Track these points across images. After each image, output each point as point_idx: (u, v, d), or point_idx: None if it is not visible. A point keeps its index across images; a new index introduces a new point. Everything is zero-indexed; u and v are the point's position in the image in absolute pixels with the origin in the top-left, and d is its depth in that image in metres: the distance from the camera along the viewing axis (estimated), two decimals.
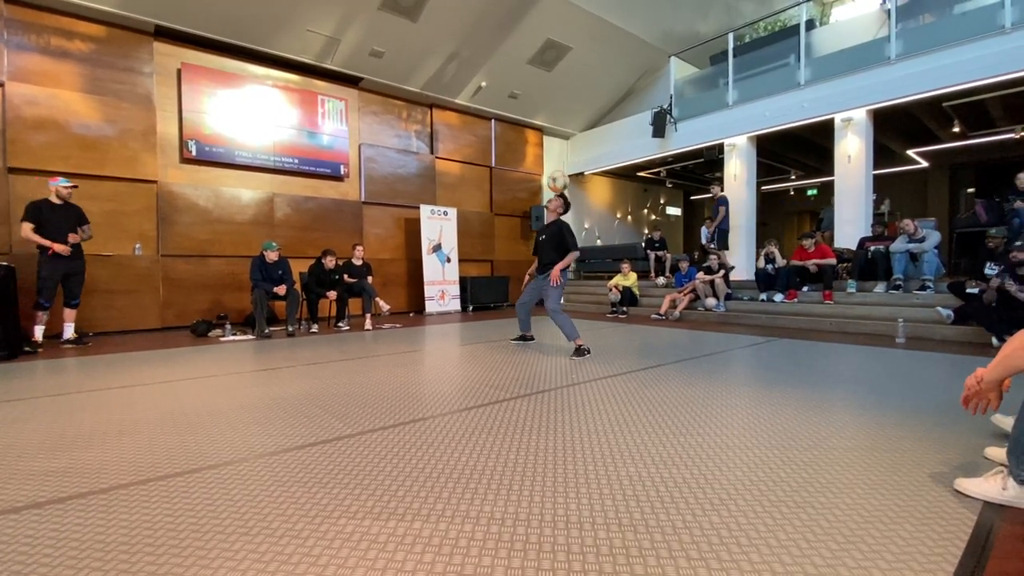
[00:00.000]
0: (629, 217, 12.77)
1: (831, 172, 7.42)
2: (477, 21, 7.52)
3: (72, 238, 4.81)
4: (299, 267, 6.55)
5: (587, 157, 10.79)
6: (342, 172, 7.81)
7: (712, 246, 8.23)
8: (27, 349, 4.54)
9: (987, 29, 5.81)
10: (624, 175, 11.88)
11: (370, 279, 6.65)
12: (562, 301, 4.48)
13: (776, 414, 2.39)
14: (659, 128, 8.90)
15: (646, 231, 12.26)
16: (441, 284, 8.59)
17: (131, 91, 6.16)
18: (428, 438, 2.08)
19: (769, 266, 6.82)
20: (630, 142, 9.76)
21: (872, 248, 6.23)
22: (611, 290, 8.05)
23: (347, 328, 6.32)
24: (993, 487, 1.48)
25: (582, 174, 11.08)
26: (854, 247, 6.66)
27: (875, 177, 7.25)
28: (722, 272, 7.16)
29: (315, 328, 6.09)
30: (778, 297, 6.63)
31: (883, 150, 8.94)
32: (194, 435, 2.16)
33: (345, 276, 6.48)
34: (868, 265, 6.21)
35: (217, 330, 5.76)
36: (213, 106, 6.60)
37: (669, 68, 9.24)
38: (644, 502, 1.49)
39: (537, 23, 7.88)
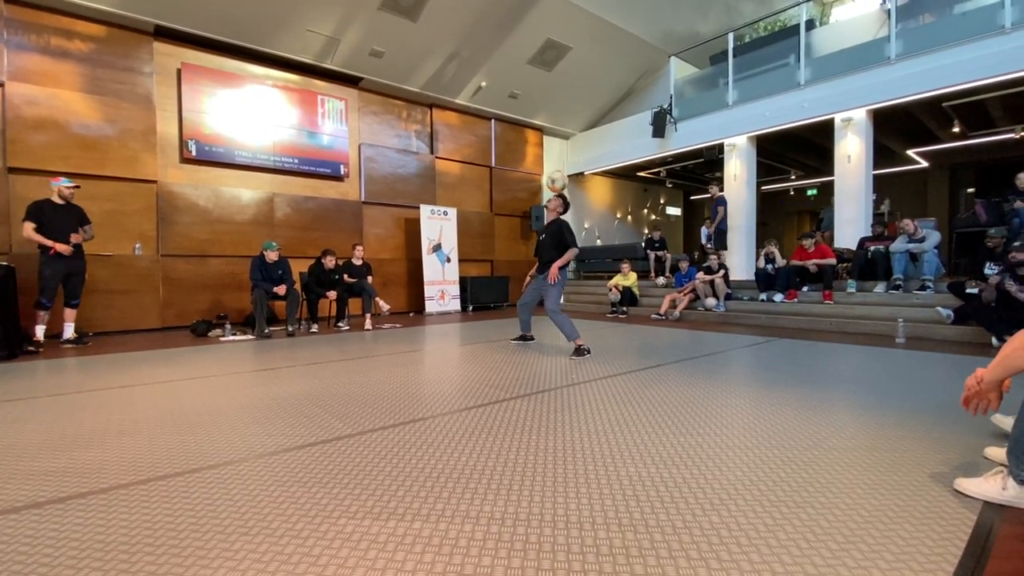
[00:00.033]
0: (629, 217, 12.77)
1: (831, 172, 7.42)
2: (477, 21, 7.52)
3: (74, 238, 4.83)
4: (299, 267, 6.55)
5: (587, 157, 10.79)
6: (342, 172, 7.81)
7: (709, 246, 8.24)
8: (30, 349, 4.55)
9: (987, 29, 5.81)
10: (624, 175, 11.88)
11: (370, 279, 6.65)
12: (562, 301, 4.49)
13: (776, 414, 2.39)
14: (659, 128, 8.90)
15: (646, 231, 12.26)
16: (441, 284, 8.60)
17: (131, 91, 6.16)
18: (428, 438, 2.08)
19: (769, 266, 6.82)
20: (630, 142, 9.76)
21: (872, 248, 6.23)
22: (611, 290, 8.05)
23: (347, 328, 6.32)
24: (993, 487, 1.48)
25: (582, 174, 11.07)
26: (854, 247, 6.66)
27: (875, 177, 7.24)
28: (722, 272, 7.16)
29: (315, 328, 6.09)
30: (778, 297, 6.63)
31: (883, 150, 8.94)
32: (194, 435, 2.16)
33: (345, 276, 6.48)
34: (868, 265, 6.21)
35: (217, 330, 5.75)
36: (213, 106, 6.60)
37: (669, 68, 9.24)
38: (644, 502, 1.49)
39: (537, 23, 7.88)
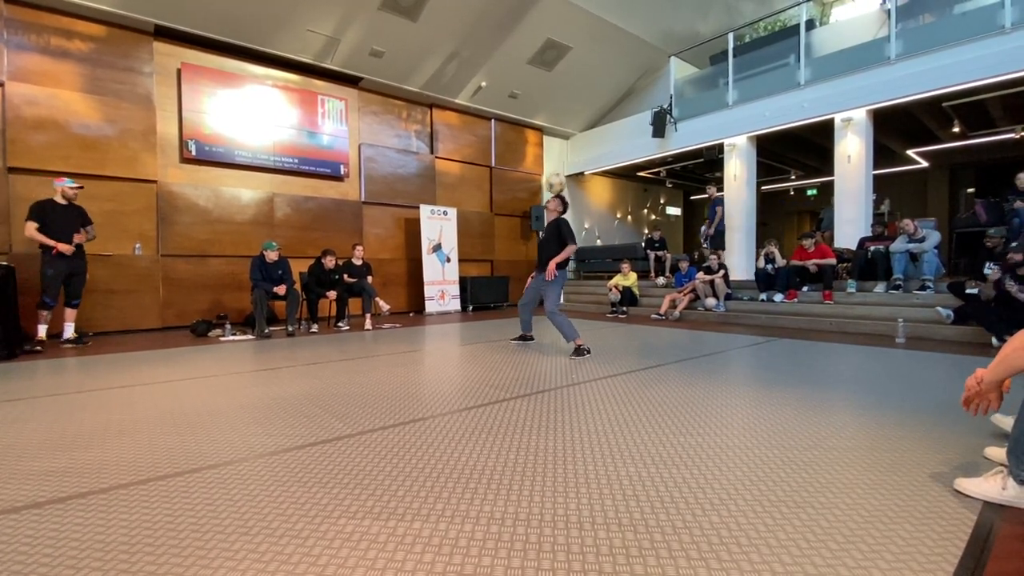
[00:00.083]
0: (629, 217, 12.77)
1: (831, 172, 7.41)
2: (477, 21, 7.52)
3: (77, 238, 4.84)
4: (299, 267, 6.55)
5: (587, 157, 10.79)
6: (342, 172, 7.81)
7: (705, 246, 8.25)
8: (36, 348, 4.58)
9: (987, 29, 5.81)
10: (624, 175, 11.88)
11: (370, 279, 6.65)
12: (562, 301, 4.49)
13: (776, 414, 2.39)
14: (659, 128, 8.90)
15: (646, 231, 12.26)
16: (441, 284, 8.59)
17: (131, 91, 6.16)
18: (428, 438, 2.08)
19: (769, 266, 6.82)
20: (630, 142, 9.76)
21: (872, 248, 6.23)
22: (611, 290, 8.05)
23: (347, 328, 6.32)
24: (993, 487, 1.48)
25: (582, 174, 11.07)
26: (854, 247, 6.66)
27: (875, 177, 7.24)
28: (722, 272, 7.16)
29: (315, 328, 6.09)
30: (778, 297, 6.63)
31: (883, 150, 8.94)
32: (194, 435, 2.16)
33: (345, 276, 6.48)
34: (868, 265, 6.21)
35: (217, 330, 5.75)
36: (213, 106, 6.60)
37: (669, 68, 9.23)
38: (644, 502, 1.49)
39: (537, 23, 7.88)
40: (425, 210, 8.44)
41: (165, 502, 1.51)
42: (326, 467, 1.78)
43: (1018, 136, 8.41)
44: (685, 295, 7.26)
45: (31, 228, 4.65)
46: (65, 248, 4.73)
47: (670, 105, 8.97)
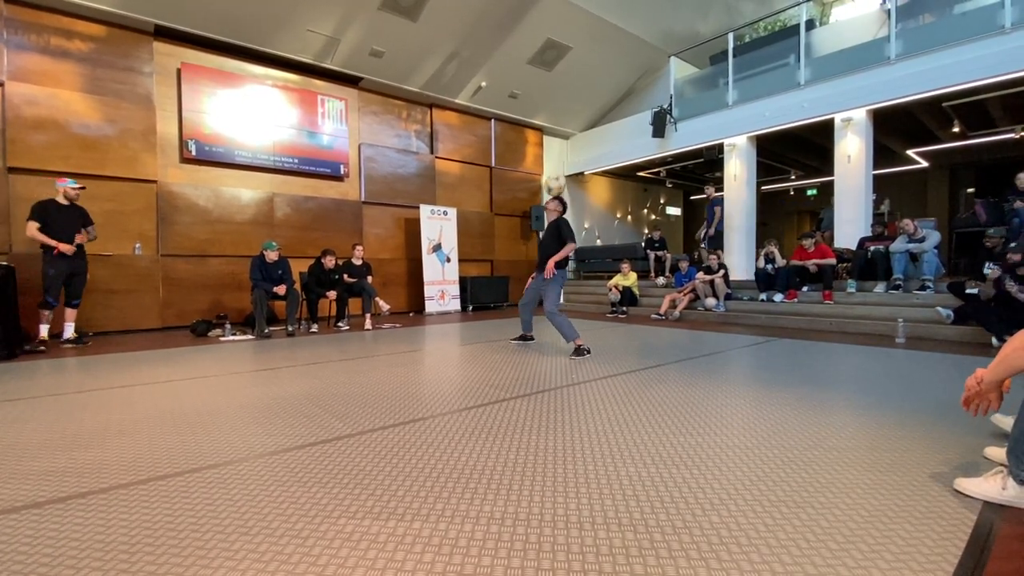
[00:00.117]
0: (629, 217, 12.77)
1: (831, 172, 7.41)
2: (477, 21, 7.52)
3: (79, 238, 4.86)
4: (299, 267, 6.55)
5: (587, 157, 10.79)
6: (342, 172, 7.81)
7: (703, 246, 8.25)
8: (40, 348, 4.60)
9: (987, 29, 5.81)
10: (624, 175, 11.88)
11: (370, 279, 6.65)
12: (561, 301, 4.49)
13: (776, 414, 2.39)
14: (659, 128, 8.90)
15: (646, 231, 12.26)
16: (441, 284, 8.59)
17: (131, 91, 6.16)
18: (428, 438, 2.08)
19: (769, 266, 6.82)
20: (630, 142, 9.76)
21: (872, 248, 6.23)
22: (611, 290, 8.05)
23: (347, 328, 6.32)
24: (993, 487, 1.48)
25: (582, 174, 11.07)
26: (854, 247, 6.66)
27: (875, 177, 7.24)
28: (722, 272, 7.16)
29: (315, 328, 6.09)
30: (778, 297, 6.63)
31: (883, 150, 8.94)
32: (194, 435, 2.16)
33: (345, 276, 6.48)
34: (868, 265, 6.21)
35: (217, 330, 5.75)
36: (213, 106, 6.60)
37: (669, 68, 9.23)
38: (644, 502, 1.49)
39: (537, 23, 7.88)
40: (425, 210, 8.45)
41: (165, 502, 1.51)
42: (326, 467, 1.78)
43: (1018, 136, 8.41)
44: (685, 295, 7.26)
45: (32, 228, 4.66)
46: (66, 248, 4.74)
47: (670, 105, 8.97)
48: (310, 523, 1.38)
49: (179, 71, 6.46)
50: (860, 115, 6.80)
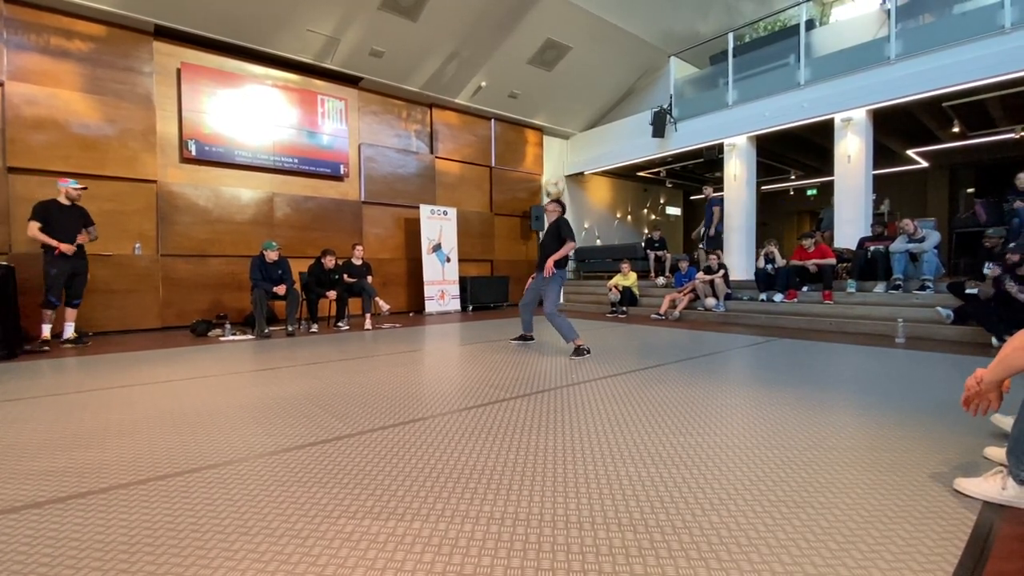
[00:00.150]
0: (629, 217, 12.77)
1: (831, 172, 7.41)
2: (477, 21, 7.52)
3: (80, 239, 4.88)
4: (299, 267, 6.55)
5: (587, 157, 10.79)
6: (342, 172, 7.81)
7: (701, 247, 8.25)
8: (44, 348, 4.62)
9: (987, 29, 5.81)
10: (624, 175, 11.88)
11: (370, 279, 6.65)
12: (561, 301, 4.49)
13: (776, 414, 2.39)
14: (659, 128, 8.90)
15: (646, 231, 12.26)
16: (441, 284, 8.59)
17: (131, 91, 6.16)
18: (428, 438, 2.08)
19: (769, 266, 6.82)
20: (630, 142, 9.76)
21: (872, 248, 6.23)
22: (611, 290, 8.05)
23: (347, 328, 6.32)
24: (992, 487, 1.48)
25: (582, 174, 11.07)
26: (854, 247, 6.66)
27: (875, 177, 7.24)
28: (722, 272, 7.17)
29: (315, 328, 6.09)
30: (778, 297, 6.63)
31: (883, 150, 8.94)
32: (194, 435, 2.16)
33: (345, 276, 6.48)
34: (868, 265, 6.21)
35: (217, 330, 5.75)
36: (213, 106, 6.60)
37: (669, 68, 9.24)
38: (644, 502, 1.49)
39: (537, 23, 7.88)
40: (425, 210, 8.45)
41: (165, 502, 1.51)
42: (326, 467, 1.78)
43: (1018, 136, 8.41)
44: (685, 295, 7.26)
45: (34, 228, 4.66)
46: (67, 248, 4.74)
47: (670, 105, 8.97)
48: (310, 523, 1.38)
49: (179, 71, 6.46)
50: (860, 115, 6.80)
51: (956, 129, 8.38)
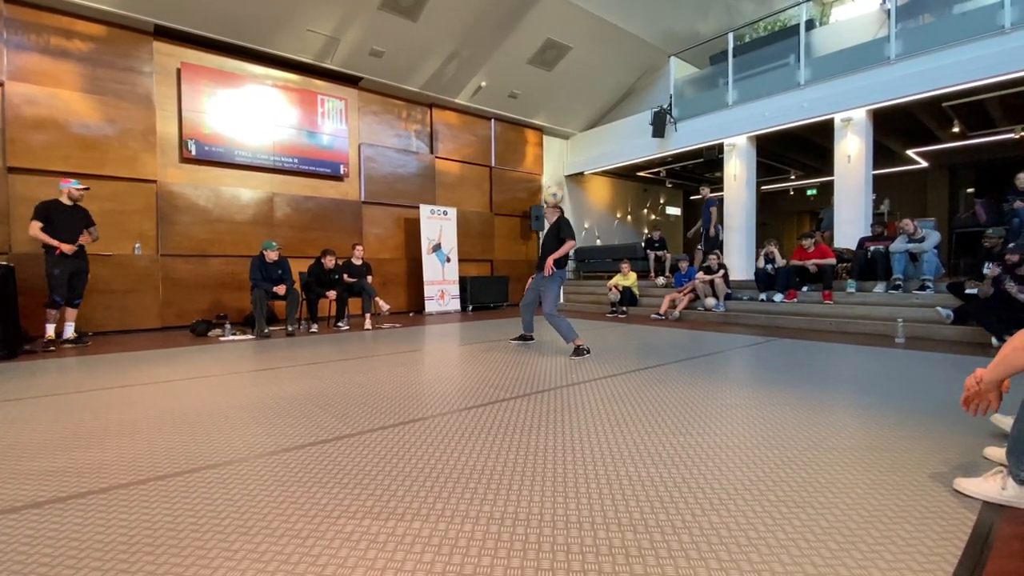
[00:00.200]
0: (629, 217, 12.77)
1: (831, 172, 7.42)
2: (477, 21, 7.52)
3: (82, 239, 4.90)
4: (299, 267, 6.55)
5: (587, 157, 10.79)
6: (342, 172, 7.81)
7: (699, 247, 8.26)
8: (51, 348, 4.63)
9: (987, 29, 5.81)
10: (624, 175, 11.88)
11: (370, 279, 6.65)
12: (561, 301, 4.49)
13: (776, 414, 2.39)
14: (659, 128, 8.90)
15: (646, 231, 12.26)
16: (441, 284, 8.59)
17: (131, 91, 6.16)
18: (428, 438, 2.08)
19: (769, 266, 6.82)
20: (630, 142, 9.76)
21: (872, 248, 6.23)
22: (611, 290, 8.05)
23: (347, 328, 6.32)
24: (992, 487, 1.48)
25: (582, 174, 11.07)
26: (854, 247, 6.66)
27: (875, 177, 7.25)
28: (722, 272, 7.17)
29: (315, 328, 6.09)
30: (778, 297, 6.63)
31: (883, 150, 8.94)
32: (194, 435, 2.16)
33: (345, 276, 6.48)
34: (868, 265, 6.21)
35: (217, 330, 5.75)
36: (213, 106, 6.60)
37: (669, 68, 9.24)
38: (644, 502, 1.49)
39: (537, 23, 7.88)
40: (425, 210, 8.45)
41: (165, 502, 1.51)
42: (326, 467, 1.78)
43: (1018, 136, 8.41)
44: (685, 295, 7.26)
45: (35, 228, 4.67)
46: (67, 248, 4.75)
47: (670, 105, 8.97)
48: (310, 523, 1.38)
49: (179, 71, 6.46)
50: (860, 115, 6.80)
51: (956, 129, 8.38)
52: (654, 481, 1.63)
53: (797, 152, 9.93)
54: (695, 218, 14.45)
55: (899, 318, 5.00)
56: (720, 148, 8.49)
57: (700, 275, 7.30)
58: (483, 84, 8.74)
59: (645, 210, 13.31)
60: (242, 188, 6.96)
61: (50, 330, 4.76)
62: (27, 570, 1.17)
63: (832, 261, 6.43)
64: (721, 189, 8.61)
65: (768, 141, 8.45)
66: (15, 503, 1.52)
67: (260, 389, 3.03)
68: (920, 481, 1.62)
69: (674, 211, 14.26)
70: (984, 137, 8.73)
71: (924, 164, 10.80)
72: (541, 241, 4.58)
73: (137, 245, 6.19)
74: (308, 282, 6.29)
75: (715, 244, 8.19)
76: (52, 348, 4.64)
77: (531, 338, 4.84)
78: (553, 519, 1.39)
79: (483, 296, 9.11)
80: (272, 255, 5.75)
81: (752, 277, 7.34)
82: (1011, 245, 4.44)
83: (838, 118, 6.96)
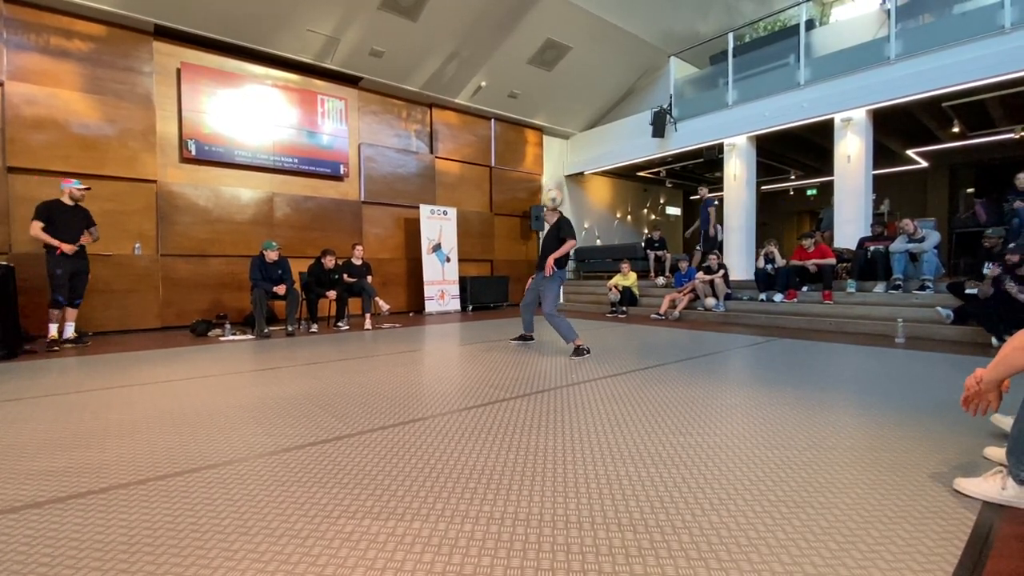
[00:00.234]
0: (629, 217, 12.77)
1: (831, 172, 7.42)
2: (477, 21, 7.52)
3: (83, 239, 4.91)
4: (299, 267, 6.55)
5: (587, 157, 10.79)
6: (342, 172, 7.81)
7: (697, 248, 8.25)
8: (55, 348, 4.64)
9: (987, 29, 5.81)
10: (624, 175, 11.88)
11: (370, 279, 6.65)
12: (561, 301, 4.49)
13: (776, 414, 2.39)
14: (659, 128, 8.90)
15: (646, 231, 12.26)
16: (441, 284, 8.59)
17: (131, 91, 6.16)
18: (428, 438, 2.08)
19: (769, 266, 6.82)
20: (630, 142, 9.76)
21: (872, 248, 6.23)
22: (611, 290, 8.05)
23: (347, 328, 6.32)
24: (992, 487, 1.48)
25: (582, 174, 11.08)
26: (854, 247, 6.66)
27: (875, 177, 7.25)
28: (722, 272, 7.17)
29: (315, 328, 6.09)
30: (778, 297, 6.63)
31: (883, 150, 8.94)
32: (194, 435, 2.16)
33: (345, 276, 6.48)
34: (868, 265, 6.21)
35: (217, 330, 5.75)
36: (213, 105, 6.60)
37: (669, 68, 9.24)
38: (643, 502, 1.49)
39: (537, 23, 7.88)
40: (425, 210, 8.45)
41: (164, 502, 1.51)
42: (326, 467, 1.78)
43: (1018, 136, 8.41)
44: (685, 295, 7.26)
45: (36, 227, 4.67)
46: (68, 248, 4.75)
47: (670, 105, 8.97)
48: (309, 523, 1.38)
49: (179, 71, 6.46)
50: (860, 115, 6.80)
51: (956, 129, 8.38)
52: (654, 481, 1.63)
53: (797, 152, 9.93)
54: (695, 218, 14.49)
55: (899, 318, 5.00)
56: (720, 148, 8.49)
57: (700, 275, 7.30)
58: (483, 84, 8.74)
59: (645, 210, 13.31)
60: (242, 188, 6.96)
61: (53, 330, 4.77)
62: (27, 570, 1.17)
63: (832, 261, 6.44)
64: (721, 189, 8.62)
65: (768, 141, 8.46)
66: (15, 503, 1.52)
67: (260, 389, 3.03)
68: (920, 481, 1.62)
69: (674, 211, 14.26)
70: (984, 137, 8.73)
71: (924, 164, 10.80)
72: (541, 241, 4.56)
73: (137, 245, 6.19)
74: (308, 282, 6.29)
75: (714, 244, 8.20)
76: (56, 348, 4.64)
77: (531, 338, 4.84)
78: (553, 519, 1.39)
79: (483, 296, 9.11)
80: (272, 255, 5.75)
81: (752, 277, 7.34)
82: (1011, 245, 4.44)
83: (838, 118, 6.96)
